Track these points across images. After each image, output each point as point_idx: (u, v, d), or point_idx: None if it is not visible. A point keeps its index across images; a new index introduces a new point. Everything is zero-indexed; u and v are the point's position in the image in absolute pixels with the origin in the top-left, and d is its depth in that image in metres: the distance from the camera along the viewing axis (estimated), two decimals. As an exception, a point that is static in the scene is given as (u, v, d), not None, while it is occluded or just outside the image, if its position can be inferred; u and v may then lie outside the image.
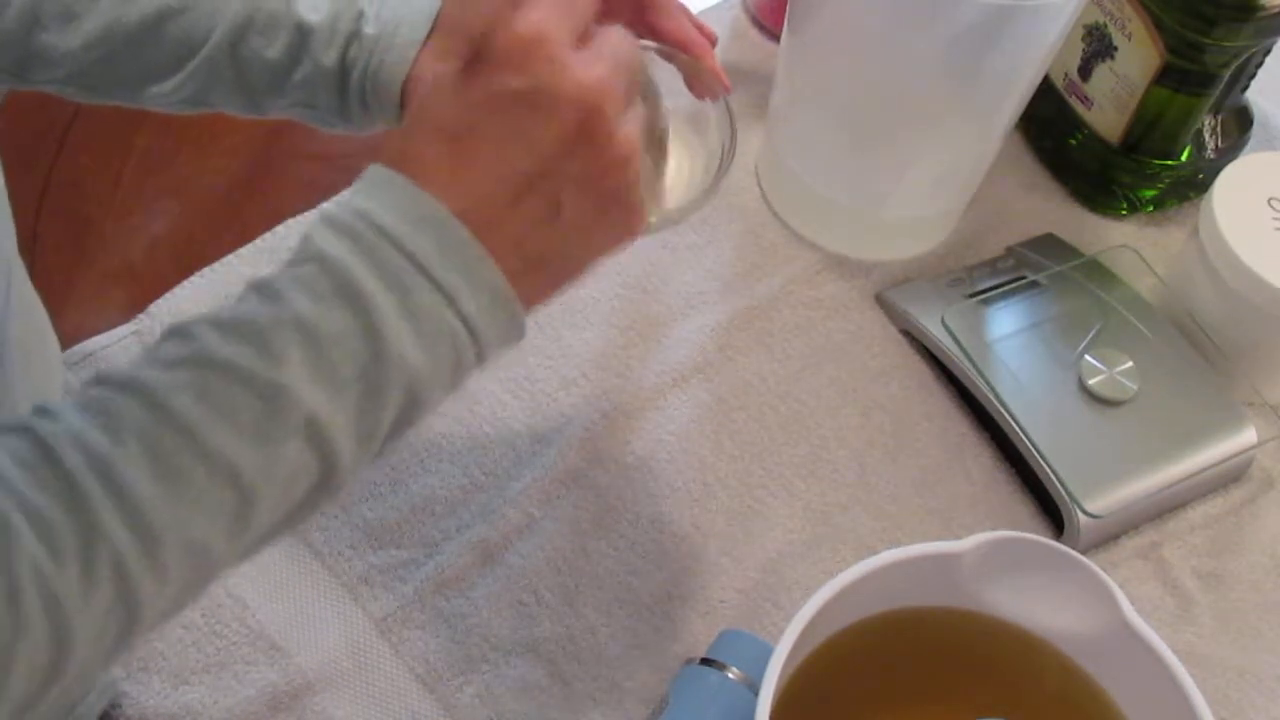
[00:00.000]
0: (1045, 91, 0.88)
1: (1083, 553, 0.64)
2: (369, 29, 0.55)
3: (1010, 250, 0.85)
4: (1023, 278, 0.81)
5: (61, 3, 0.56)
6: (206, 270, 0.78)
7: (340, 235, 0.41)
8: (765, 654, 0.51)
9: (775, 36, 0.94)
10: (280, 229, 0.81)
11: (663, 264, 0.83)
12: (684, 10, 0.51)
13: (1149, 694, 0.54)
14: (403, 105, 0.56)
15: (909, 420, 0.77)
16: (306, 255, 0.42)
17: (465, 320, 0.42)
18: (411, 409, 0.43)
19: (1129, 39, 0.81)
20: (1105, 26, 0.83)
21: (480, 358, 0.44)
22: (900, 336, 0.81)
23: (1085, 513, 0.71)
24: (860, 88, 0.79)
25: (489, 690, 0.66)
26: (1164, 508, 0.75)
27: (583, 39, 0.43)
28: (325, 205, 0.43)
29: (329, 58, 0.56)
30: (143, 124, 1.29)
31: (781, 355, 0.80)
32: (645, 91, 0.49)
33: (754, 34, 0.97)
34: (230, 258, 0.79)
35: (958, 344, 0.77)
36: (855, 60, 0.77)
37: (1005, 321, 0.79)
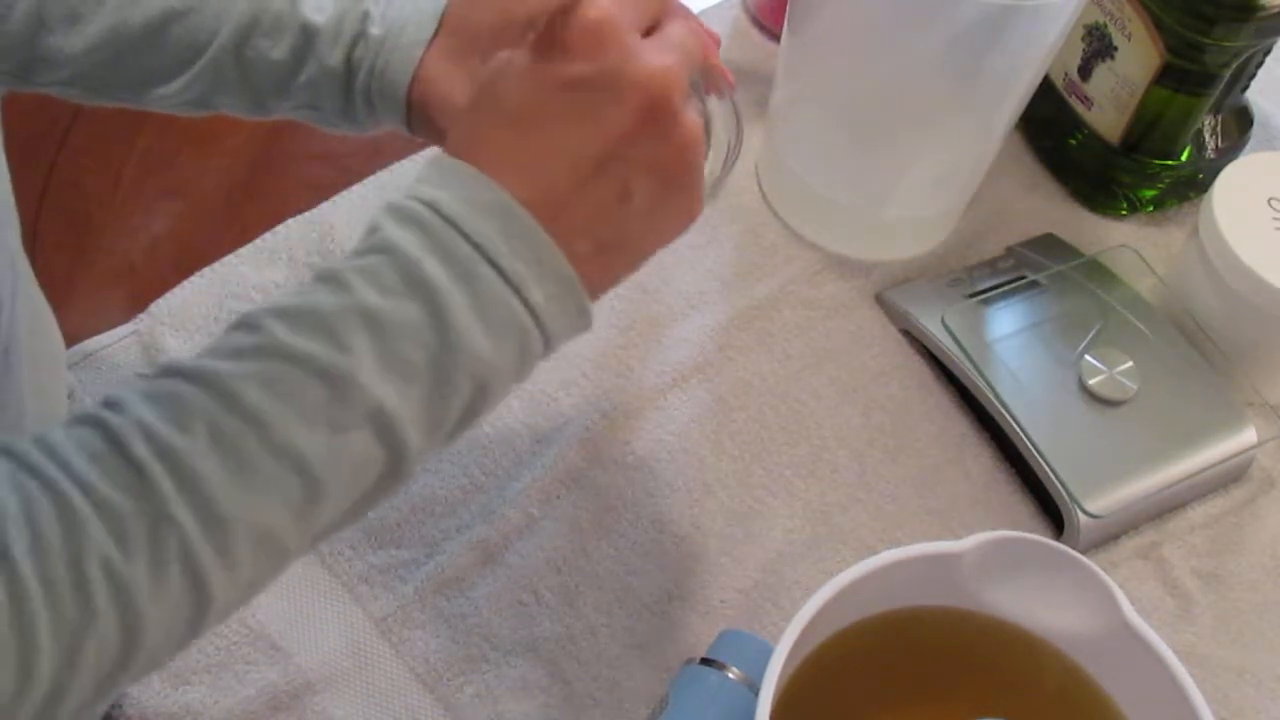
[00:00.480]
0: (1045, 91, 0.88)
1: (1083, 553, 0.64)
2: (374, 30, 0.55)
3: (1010, 250, 0.85)
4: (1023, 278, 0.81)
5: (66, 5, 0.55)
6: (206, 270, 0.78)
7: (407, 225, 0.41)
8: (765, 654, 0.51)
9: (775, 36, 0.94)
10: (280, 229, 0.81)
11: (663, 264, 0.83)
12: (686, 11, 0.51)
13: (1149, 694, 0.54)
14: (409, 107, 0.56)
15: (909, 420, 0.77)
16: (374, 246, 0.42)
17: (532, 310, 0.42)
18: (479, 399, 0.43)
19: (1129, 39, 0.81)
20: (1105, 26, 0.83)
21: (548, 346, 0.44)
22: (900, 336, 0.81)
23: (1085, 513, 0.71)
24: (860, 88, 0.79)
25: (489, 690, 0.66)
26: (1164, 508, 0.75)
27: (650, 28, 0.43)
28: (393, 196, 0.42)
29: (334, 59, 0.55)
30: (143, 124, 1.29)
31: (781, 355, 0.80)
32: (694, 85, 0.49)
33: (754, 34, 0.97)
34: (230, 258, 0.79)
35: (958, 344, 0.77)
36: (855, 60, 0.77)
37: (1005, 321, 0.79)
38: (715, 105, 0.55)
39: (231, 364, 0.40)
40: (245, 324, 0.42)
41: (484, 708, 0.65)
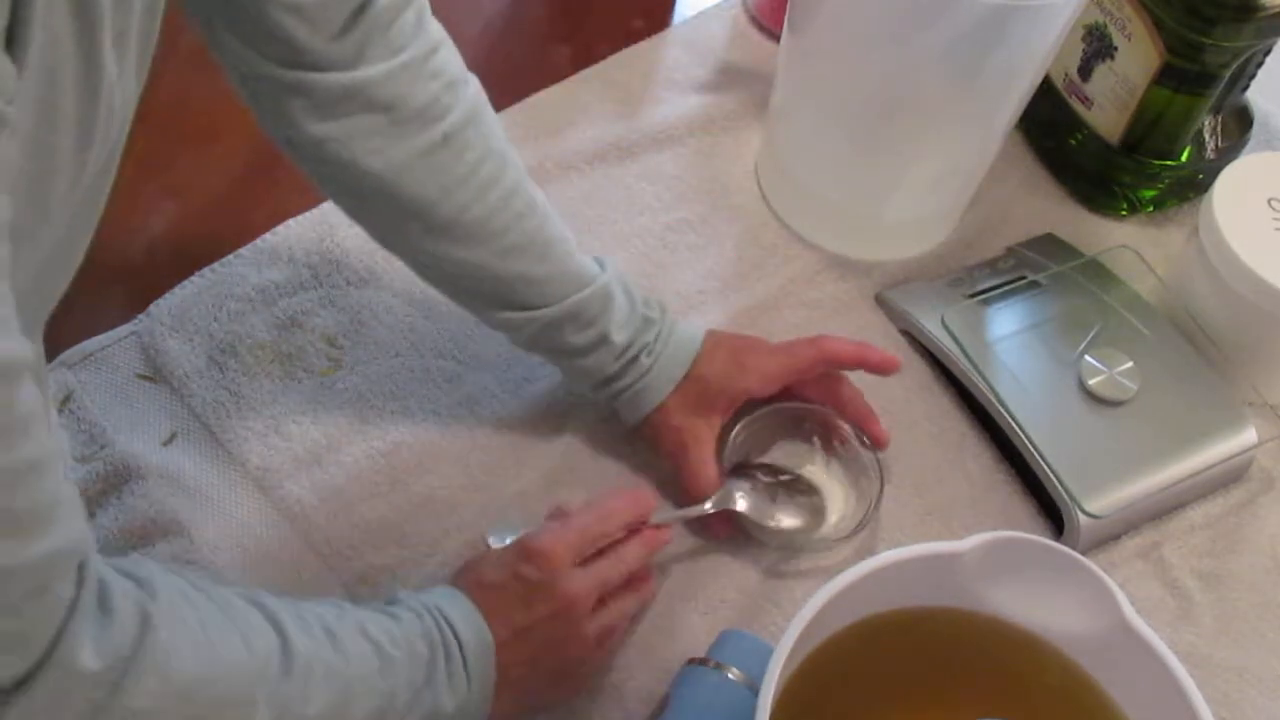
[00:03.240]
0: (1045, 91, 0.88)
1: (1083, 553, 0.64)
2: (645, 359, 0.70)
3: (1010, 250, 0.85)
4: (1023, 278, 0.81)
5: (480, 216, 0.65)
6: (206, 270, 0.78)
7: (420, 616, 0.59)
8: (765, 654, 0.51)
9: (775, 36, 0.94)
10: (280, 229, 0.81)
11: (663, 264, 0.83)
12: (858, 396, 0.74)
13: (1149, 694, 0.54)
14: (642, 421, 0.72)
15: (909, 420, 0.77)
16: (408, 633, 0.58)
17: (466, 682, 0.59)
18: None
19: (1129, 39, 0.81)
20: (1105, 27, 0.83)
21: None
22: (900, 336, 0.81)
23: (1085, 513, 0.71)
24: (860, 88, 0.78)
25: (489, 690, 0.65)
26: (1164, 508, 0.75)
27: (585, 559, 0.63)
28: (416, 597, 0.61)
29: (613, 368, 0.70)
30: (142, 125, 1.28)
31: (781, 355, 0.79)
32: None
33: (754, 34, 0.97)
34: (230, 258, 0.79)
35: (958, 344, 0.77)
36: (855, 60, 0.77)
37: (1005, 321, 0.79)
38: (868, 460, 0.73)
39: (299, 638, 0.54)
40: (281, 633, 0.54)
41: (484, 708, 0.65)
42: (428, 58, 0.62)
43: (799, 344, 0.73)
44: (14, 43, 0.37)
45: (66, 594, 0.43)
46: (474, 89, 0.65)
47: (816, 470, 0.74)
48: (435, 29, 0.63)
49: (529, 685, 0.61)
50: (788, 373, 0.72)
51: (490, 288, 0.67)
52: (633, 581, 0.66)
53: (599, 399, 0.73)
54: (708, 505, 0.69)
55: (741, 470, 0.72)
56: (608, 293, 0.69)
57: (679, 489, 0.71)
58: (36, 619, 0.42)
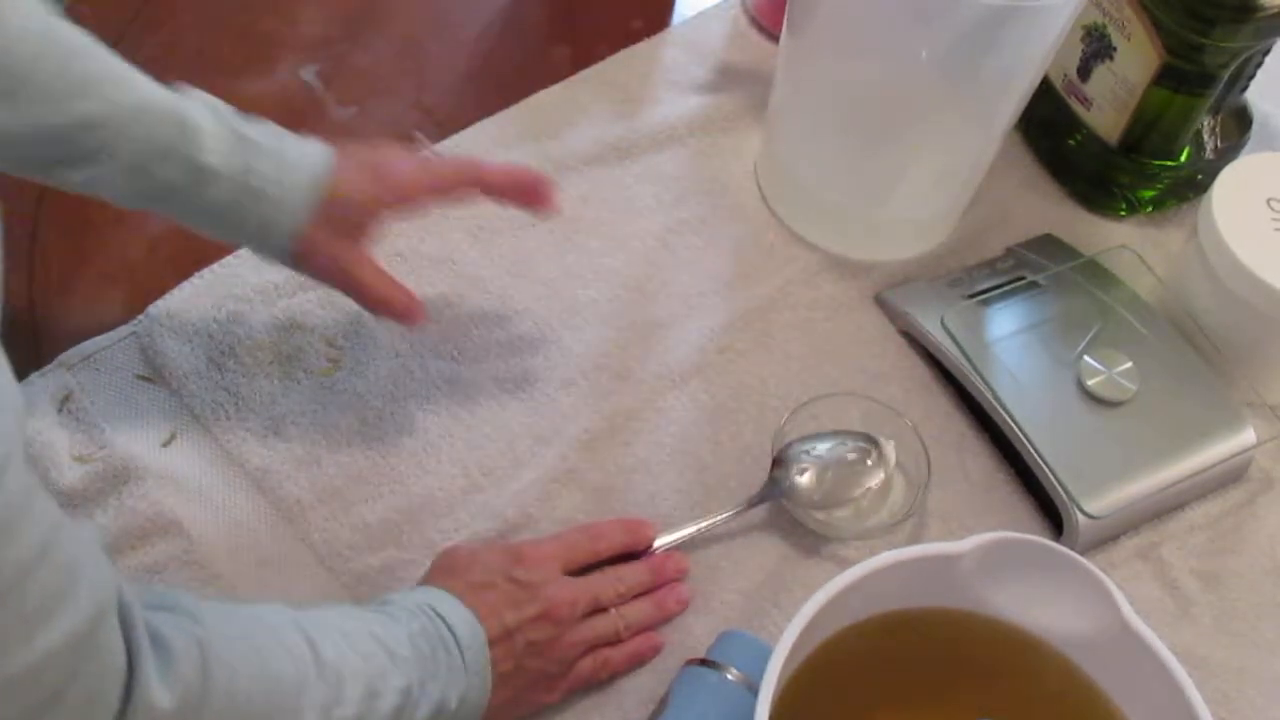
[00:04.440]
0: (1044, 92, 0.88)
1: (1082, 553, 0.64)
2: (258, 183, 0.64)
3: (1010, 251, 0.85)
4: (1022, 278, 0.81)
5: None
6: (205, 271, 0.78)
7: (415, 615, 0.59)
8: (765, 654, 0.51)
9: (775, 37, 0.94)
10: (280, 229, 0.81)
11: (662, 265, 0.83)
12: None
13: (1148, 694, 0.54)
14: (295, 262, 0.67)
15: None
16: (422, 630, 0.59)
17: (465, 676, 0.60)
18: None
19: (1128, 39, 0.81)
20: (1104, 27, 0.83)
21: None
22: (900, 337, 0.81)
23: (1084, 513, 0.71)
24: (860, 88, 0.79)
25: (489, 691, 0.66)
26: (1163, 508, 0.75)
27: (571, 565, 0.66)
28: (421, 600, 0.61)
29: (222, 198, 0.64)
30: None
31: (781, 356, 0.80)
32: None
33: (754, 34, 0.97)
34: (230, 258, 0.79)
35: (957, 344, 0.77)
36: (855, 60, 0.77)
37: (1004, 322, 0.79)
38: (921, 456, 0.74)
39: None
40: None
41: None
42: None
43: (443, 160, 0.70)
44: None
45: (118, 646, 0.43)
46: None
47: (871, 454, 0.74)
48: None
49: (517, 683, 0.62)
50: (429, 185, 0.68)
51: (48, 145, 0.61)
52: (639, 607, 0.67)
53: (257, 250, 0.68)
54: (751, 500, 0.71)
55: (790, 452, 0.73)
56: (182, 118, 0.63)
57: (370, 312, 0.71)
58: (102, 678, 0.42)
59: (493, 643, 0.60)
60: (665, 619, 0.68)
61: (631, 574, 0.67)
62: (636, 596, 0.67)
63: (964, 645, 0.58)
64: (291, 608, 0.55)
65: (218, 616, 0.50)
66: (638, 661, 0.66)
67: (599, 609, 0.65)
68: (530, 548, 0.65)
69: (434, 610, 0.60)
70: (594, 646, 0.65)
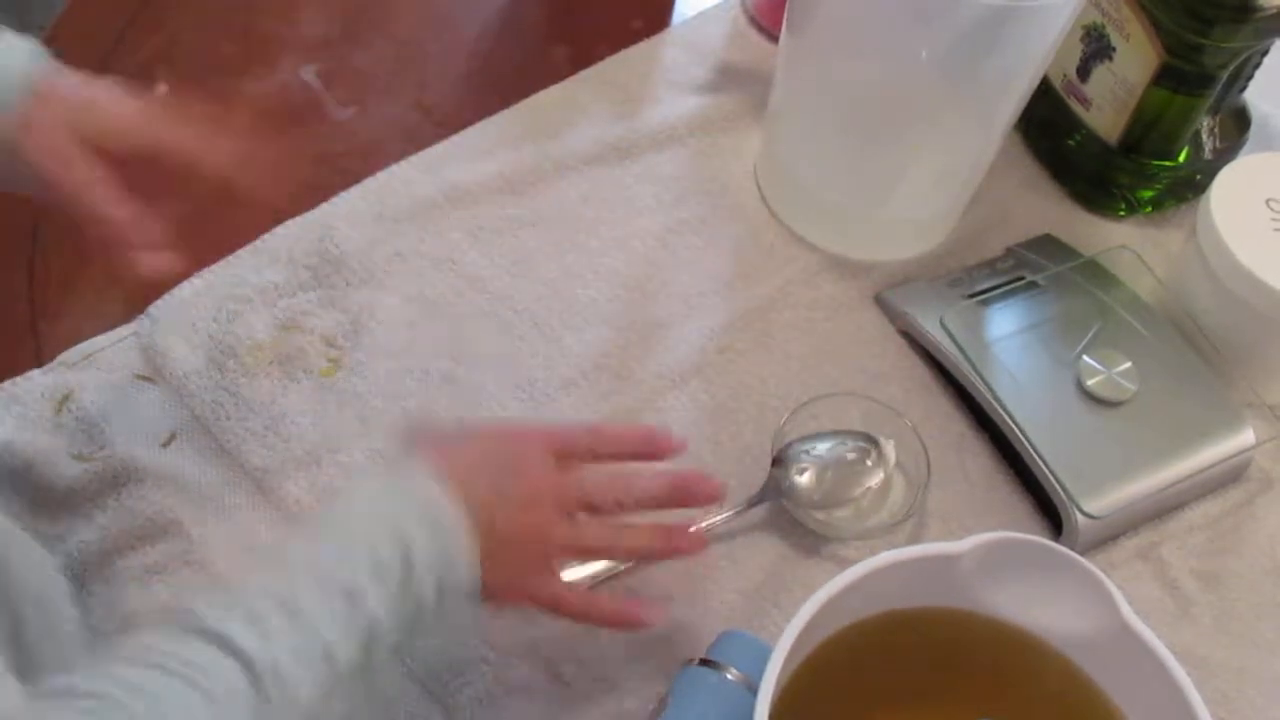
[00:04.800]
0: (1044, 92, 0.88)
1: (1081, 553, 0.63)
2: None
3: (1009, 251, 0.85)
4: (1021, 278, 0.81)
5: None
6: (206, 271, 0.78)
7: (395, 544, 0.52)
8: (765, 654, 0.51)
9: (775, 37, 0.94)
10: (279, 230, 0.81)
11: (662, 265, 0.83)
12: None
13: (1148, 694, 0.54)
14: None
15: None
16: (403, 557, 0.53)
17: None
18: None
19: (1127, 40, 0.81)
20: (1104, 27, 0.83)
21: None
22: (900, 337, 0.81)
23: (1084, 513, 0.71)
24: (860, 88, 0.79)
25: (488, 692, 0.65)
26: (1163, 508, 0.75)
27: (565, 464, 0.58)
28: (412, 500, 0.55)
29: None
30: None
31: (781, 356, 0.80)
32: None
33: (753, 34, 0.97)
34: (230, 258, 0.79)
35: (956, 344, 0.77)
36: (855, 60, 0.77)
37: (1004, 322, 0.79)
38: (921, 454, 0.73)
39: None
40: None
41: (483, 709, 0.65)
42: None
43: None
44: None
45: None
46: None
47: (870, 454, 0.73)
48: None
49: (493, 512, 0.55)
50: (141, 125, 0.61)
51: None
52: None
53: None
54: (751, 498, 0.70)
55: (790, 452, 0.73)
56: None
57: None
58: None
59: (460, 483, 0.54)
60: (671, 554, 0.60)
61: (643, 485, 0.57)
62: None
63: (964, 645, 0.58)
64: (234, 594, 0.50)
65: (111, 693, 0.44)
66: (620, 621, 0.60)
67: (593, 511, 0.57)
68: (522, 426, 0.58)
69: (396, 515, 0.53)
70: (582, 553, 0.57)
